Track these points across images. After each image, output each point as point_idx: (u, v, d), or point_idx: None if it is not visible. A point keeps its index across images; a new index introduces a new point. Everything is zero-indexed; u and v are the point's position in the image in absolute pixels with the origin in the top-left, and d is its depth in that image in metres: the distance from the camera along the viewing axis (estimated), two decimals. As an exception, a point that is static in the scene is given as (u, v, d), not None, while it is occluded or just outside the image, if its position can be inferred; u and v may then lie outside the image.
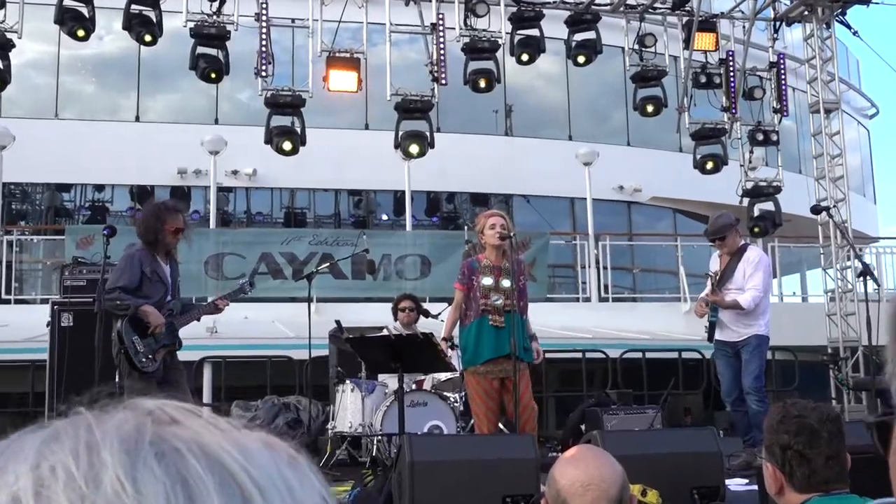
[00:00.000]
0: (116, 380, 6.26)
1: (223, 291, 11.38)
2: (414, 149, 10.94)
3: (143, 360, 5.97)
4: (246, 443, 0.54)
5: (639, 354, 11.74)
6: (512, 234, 6.29)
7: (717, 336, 7.45)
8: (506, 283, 6.27)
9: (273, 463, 0.53)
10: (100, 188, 17.32)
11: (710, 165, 12.33)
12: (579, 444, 5.77)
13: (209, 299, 6.77)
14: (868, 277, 7.23)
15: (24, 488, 0.48)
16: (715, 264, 7.50)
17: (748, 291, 7.15)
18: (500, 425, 7.14)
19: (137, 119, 17.27)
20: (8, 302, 13.44)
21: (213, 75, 10.65)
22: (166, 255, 6.29)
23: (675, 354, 11.66)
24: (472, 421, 8.25)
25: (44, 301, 11.97)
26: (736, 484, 6.06)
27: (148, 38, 10.38)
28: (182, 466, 0.50)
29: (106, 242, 6.49)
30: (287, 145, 10.81)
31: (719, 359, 7.55)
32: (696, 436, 5.85)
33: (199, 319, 6.60)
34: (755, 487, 5.31)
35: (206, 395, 11.01)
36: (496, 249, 6.36)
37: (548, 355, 11.07)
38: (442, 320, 8.55)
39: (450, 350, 7.87)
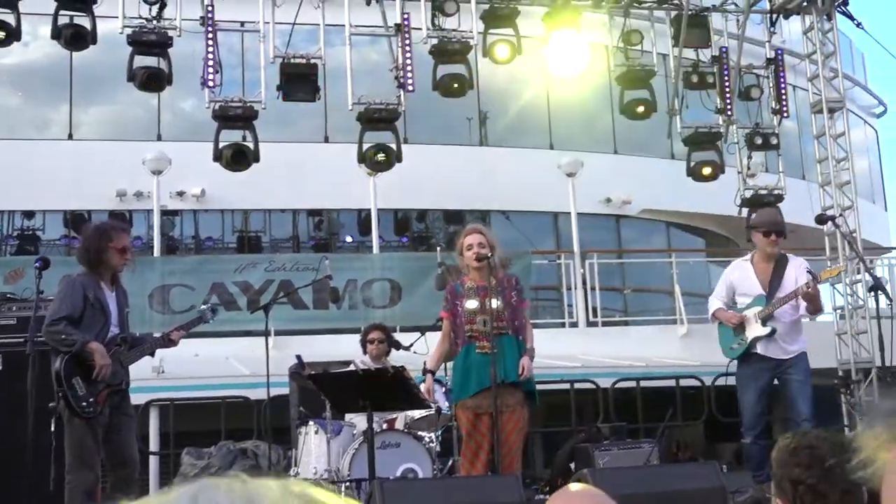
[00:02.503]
0: (52, 429, 6.19)
1: (170, 327, 11.35)
2: (380, 157, 10.98)
3: (84, 403, 5.88)
4: None
5: (632, 383, 11.81)
6: (489, 255, 6.33)
7: (761, 351, 7.24)
8: (495, 303, 6.29)
9: None
10: (29, 215, 17.21)
11: (706, 171, 12.45)
12: (570, 482, 5.80)
13: (157, 333, 6.72)
14: (880, 292, 7.30)
15: None
16: (740, 271, 7.41)
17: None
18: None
19: (70, 136, 17.20)
20: (-73, 344, 13.29)
21: (153, 84, 10.65)
22: (112, 282, 6.21)
23: (672, 382, 11.73)
24: (451, 462, 8.27)
25: (-32, 342, 11.83)
26: (742, 523, 6.11)
27: (78, 42, 10.36)
28: None
29: (38, 276, 6.45)
30: (238, 160, 10.83)
31: (750, 381, 7.28)
32: (698, 471, 5.92)
33: (152, 354, 6.56)
34: (763, 526, 5.36)
35: (154, 443, 10.95)
36: (478, 271, 6.42)
37: (533, 387, 11.12)
38: (415, 352, 8.58)
39: (424, 384, 7.89)
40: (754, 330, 7.23)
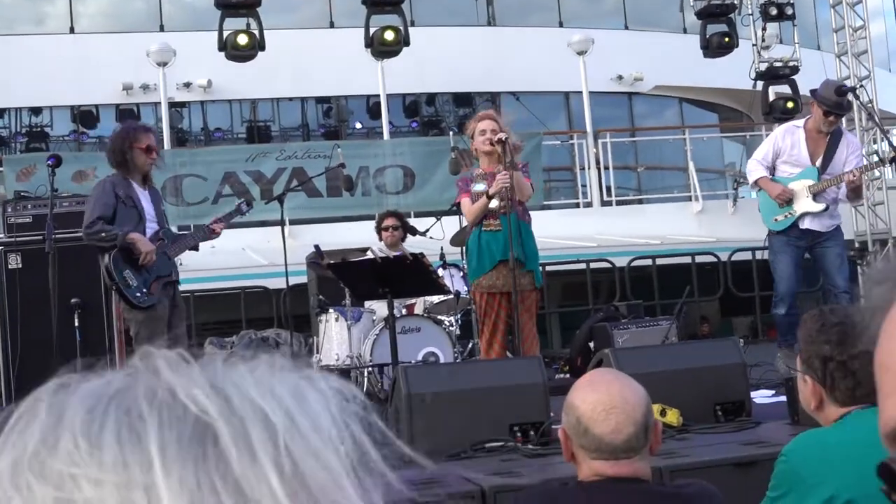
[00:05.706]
0: (76, 324, 6.27)
1: (185, 218, 11.31)
2: (389, 36, 10.79)
3: (138, 294, 5.92)
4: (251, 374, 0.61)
5: (648, 261, 11.83)
6: (504, 137, 6.22)
7: (806, 225, 6.91)
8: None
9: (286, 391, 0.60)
10: (36, 111, 17.09)
11: (719, 44, 12.24)
12: (590, 363, 5.85)
13: (190, 226, 6.82)
14: (898, 163, 7.18)
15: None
16: (792, 139, 6.91)
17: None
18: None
19: (71, 30, 16.93)
20: (-55, 244, 13.37)
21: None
22: (143, 182, 6.25)
23: (688, 259, 11.74)
24: (471, 345, 8.35)
25: (-14, 242, 11.89)
26: (761, 396, 6.18)
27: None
28: (131, 407, 0.58)
29: (51, 173, 6.44)
30: (242, 40, 10.71)
31: (788, 253, 6.95)
32: (717, 347, 5.94)
33: (196, 248, 6.59)
34: (783, 399, 5.42)
35: (175, 334, 11.07)
36: (488, 156, 6.34)
37: (548, 268, 11.17)
38: (430, 237, 8.57)
39: (441, 269, 7.92)
40: (805, 204, 6.87)
